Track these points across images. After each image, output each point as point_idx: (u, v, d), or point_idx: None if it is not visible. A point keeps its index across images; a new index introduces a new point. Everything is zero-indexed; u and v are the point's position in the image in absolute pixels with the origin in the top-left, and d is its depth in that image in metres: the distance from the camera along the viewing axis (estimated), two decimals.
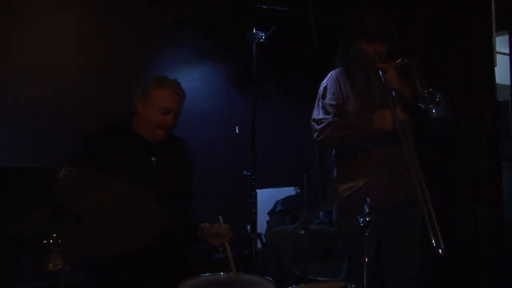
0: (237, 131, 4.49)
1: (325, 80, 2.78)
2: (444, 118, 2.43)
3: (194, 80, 4.09)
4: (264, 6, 3.83)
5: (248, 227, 3.95)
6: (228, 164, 4.42)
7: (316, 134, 2.69)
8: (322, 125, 2.65)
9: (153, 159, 2.53)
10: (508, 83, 3.59)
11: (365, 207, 2.30)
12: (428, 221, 2.17)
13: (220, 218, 2.38)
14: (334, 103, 2.66)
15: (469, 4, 3.23)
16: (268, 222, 4.31)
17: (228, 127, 4.46)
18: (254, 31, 3.90)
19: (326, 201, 2.41)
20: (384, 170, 2.54)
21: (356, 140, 2.58)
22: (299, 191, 4.62)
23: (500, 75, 3.28)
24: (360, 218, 2.28)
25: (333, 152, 2.84)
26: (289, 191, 4.63)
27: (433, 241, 2.13)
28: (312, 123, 2.72)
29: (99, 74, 3.72)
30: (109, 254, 1.70)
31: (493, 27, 3.19)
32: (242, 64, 4.20)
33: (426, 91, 2.41)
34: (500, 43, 3.34)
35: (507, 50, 3.30)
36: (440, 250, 2.11)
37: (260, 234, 3.87)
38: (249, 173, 3.94)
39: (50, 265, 1.40)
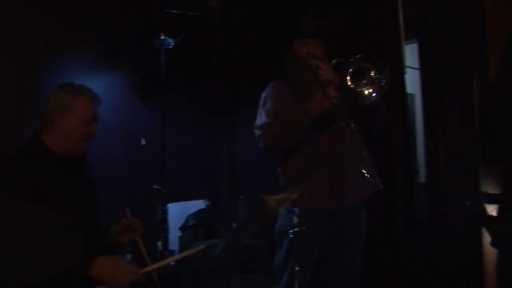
0: (143, 143, 4.28)
1: (265, 91, 2.71)
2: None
3: (96, 88, 3.82)
4: (174, 11, 3.66)
5: (159, 243, 3.76)
6: (134, 178, 4.20)
7: (259, 140, 2.58)
8: (264, 128, 2.55)
9: (71, 180, 2.30)
10: (413, 92, 3.70)
11: (294, 217, 2.24)
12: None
13: (127, 211, 2.23)
14: (276, 107, 2.59)
15: (379, 14, 3.31)
16: (180, 237, 4.13)
17: (133, 139, 4.24)
18: (163, 37, 3.73)
19: (255, 217, 2.27)
20: (325, 172, 2.48)
21: (297, 131, 2.50)
22: (209, 204, 4.50)
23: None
24: (289, 229, 2.22)
25: (278, 159, 2.74)
26: (199, 204, 4.50)
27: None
28: (255, 130, 2.62)
29: None
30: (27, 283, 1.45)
31: (402, 35, 3.28)
32: (149, 72, 4.02)
33: (353, 59, 2.38)
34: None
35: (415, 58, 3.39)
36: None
37: (172, 251, 3.68)
38: (159, 187, 3.74)
39: None
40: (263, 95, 2.70)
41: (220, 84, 4.34)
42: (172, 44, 3.80)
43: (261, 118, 2.62)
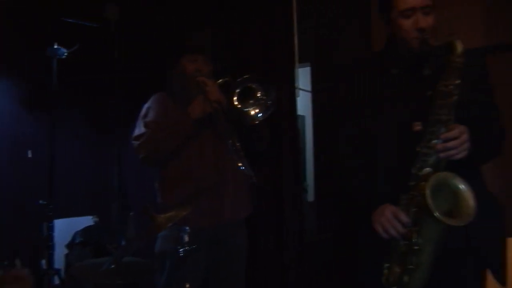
0: (29, 156, 4.08)
1: (148, 102, 2.67)
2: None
3: None
4: (69, 20, 3.53)
5: (43, 262, 3.57)
6: (19, 192, 3.99)
7: (137, 150, 2.54)
8: (142, 138, 2.52)
9: None
10: (301, 113, 3.85)
11: (185, 236, 2.23)
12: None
13: (18, 261, 2.10)
14: (157, 120, 2.56)
15: (275, 37, 3.42)
16: (67, 255, 3.95)
17: (19, 150, 4.04)
18: (56, 46, 3.58)
19: (144, 234, 2.24)
20: (209, 191, 2.49)
21: (177, 137, 2.50)
22: (98, 220, 4.36)
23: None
24: (180, 248, 2.20)
25: (156, 174, 2.70)
26: (87, 220, 4.34)
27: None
28: (133, 142, 2.57)
29: None
30: None
31: (296, 59, 3.41)
32: (39, 82, 3.85)
33: (240, 80, 2.44)
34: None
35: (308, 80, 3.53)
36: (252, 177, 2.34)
37: (58, 270, 3.51)
38: (45, 203, 3.57)
39: None
40: (145, 106, 2.67)
41: (113, 98, 4.24)
42: (66, 54, 3.65)
43: (139, 129, 2.59)
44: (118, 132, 4.30)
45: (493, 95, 1.95)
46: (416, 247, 1.72)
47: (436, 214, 1.63)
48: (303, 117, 3.81)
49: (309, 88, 3.47)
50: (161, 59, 2.79)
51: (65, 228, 4.08)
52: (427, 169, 1.73)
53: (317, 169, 3.38)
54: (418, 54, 1.87)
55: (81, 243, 3.94)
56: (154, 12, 3.97)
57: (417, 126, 1.84)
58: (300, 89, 3.54)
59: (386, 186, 1.89)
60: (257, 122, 2.47)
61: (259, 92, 2.47)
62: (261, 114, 2.47)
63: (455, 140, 1.69)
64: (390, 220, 1.78)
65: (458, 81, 1.71)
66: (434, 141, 1.71)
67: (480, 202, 1.67)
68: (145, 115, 2.63)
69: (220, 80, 2.56)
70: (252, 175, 2.36)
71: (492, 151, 1.91)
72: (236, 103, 2.45)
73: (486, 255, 1.85)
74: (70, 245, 4.00)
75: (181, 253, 2.19)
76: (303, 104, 3.56)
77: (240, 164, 2.35)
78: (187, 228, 2.23)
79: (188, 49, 2.66)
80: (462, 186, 1.68)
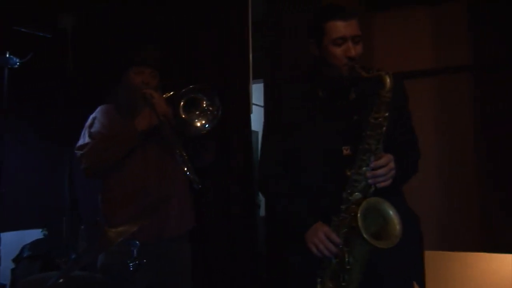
0: None
1: (94, 113, 2.66)
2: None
3: None
4: (22, 29, 3.47)
5: None
6: None
7: (80, 160, 2.53)
8: (85, 148, 2.51)
9: None
10: (255, 129, 3.89)
11: (134, 250, 2.22)
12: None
13: None
14: (102, 131, 2.55)
15: (228, 54, 3.46)
16: (13, 270, 3.83)
17: None
18: (8, 55, 3.51)
19: (94, 248, 2.21)
20: (153, 205, 2.48)
21: (122, 149, 2.50)
22: (47, 233, 4.26)
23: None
24: (130, 262, 2.19)
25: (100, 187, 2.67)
26: (37, 233, 4.23)
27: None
28: (76, 151, 2.55)
29: None
30: None
31: (250, 75, 3.46)
32: None
33: (184, 90, 2.48)
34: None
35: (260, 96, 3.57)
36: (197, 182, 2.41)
37: (3, 285, 3.41)
38: None
39: None
40: (91, 116, 2.67)
41: (65, 108, 4.18)
42: (18, 63, 3.58)
43: (84, 139, 2.58)
44: (70, 143, 4.23)
45: (411, 118, 2.10)
46: (348, 266, 1.83)
47: (366, 236, 1.74)
48: (256, 132, 3.85)
49: (261, 103, 3.52)
50: (109, 71, 2.78)
51: (12, 241, 3.96)
52: (357, 194, 1.85)
53: None
54: (345, 79, 1.97)
55: (29, 257, 3.82)
56: (108, 23, 3.95)
57: (346, 150, 1.97)
58: (254, 104, 3.59)
59: (315, 206, 1.98)
60: (204, 132, 2.50)
61: (204, 102, 2.50)
62: (208, 125, 2.50)
63: (383, 168, 1.82)
64: (322, 240, 1.87)
65: (386, 114, 1.82)
66: (364, 169, 1.84)
67: (402, 218, 1.80)
68: (91, 125, 2.62)
69: (167, 94, 2.58)
70: (197, 181, 2.39)
71: (413, 171, 2.08)
72: (182, 114, 2.48)
73: (412, 268, 1.99)
74: (17, 259, 3.88)
75: (131, 267, 2.19)
76: (257, 119, 3.60)
77: (185, 169, 2.38)
78: (137, 242, 2.22)
79: (135, 62, 2.67)
80: (390, 212, 1.81)
